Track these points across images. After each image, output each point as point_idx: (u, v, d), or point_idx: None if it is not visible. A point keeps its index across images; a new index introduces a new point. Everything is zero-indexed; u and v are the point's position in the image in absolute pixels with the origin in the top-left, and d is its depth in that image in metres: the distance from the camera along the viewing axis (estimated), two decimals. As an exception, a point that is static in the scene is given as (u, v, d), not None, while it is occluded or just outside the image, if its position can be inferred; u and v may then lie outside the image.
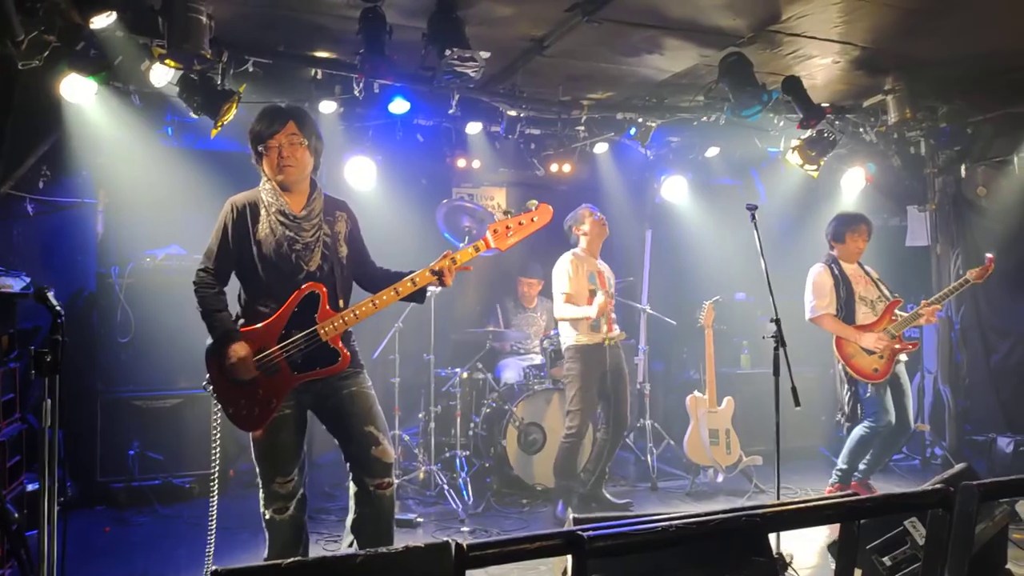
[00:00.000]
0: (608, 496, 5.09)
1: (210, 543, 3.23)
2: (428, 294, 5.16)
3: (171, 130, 5.51)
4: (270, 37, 4.65)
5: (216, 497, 3.20)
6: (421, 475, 5.43)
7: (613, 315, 4.96)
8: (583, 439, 4.97)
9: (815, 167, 5.75)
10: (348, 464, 3.08)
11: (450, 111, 5.21)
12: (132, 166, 5.43)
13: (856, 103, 5.91)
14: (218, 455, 3.20)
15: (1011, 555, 3.48)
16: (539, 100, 5.69)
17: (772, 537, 3.53)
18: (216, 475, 3.21)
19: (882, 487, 5.17)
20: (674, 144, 6.68)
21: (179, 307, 5.01)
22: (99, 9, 3.52)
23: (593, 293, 4.83)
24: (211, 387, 3.00)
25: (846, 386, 4.84)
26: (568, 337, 4.96)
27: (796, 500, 2.20)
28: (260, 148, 3.00)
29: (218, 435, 3.16)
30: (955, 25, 4.49)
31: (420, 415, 5.66)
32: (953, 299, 5.83)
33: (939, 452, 6.22)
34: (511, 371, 6.00)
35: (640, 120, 5.85)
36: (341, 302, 3.08)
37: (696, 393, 5.62)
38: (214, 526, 3.19)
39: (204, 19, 3.67)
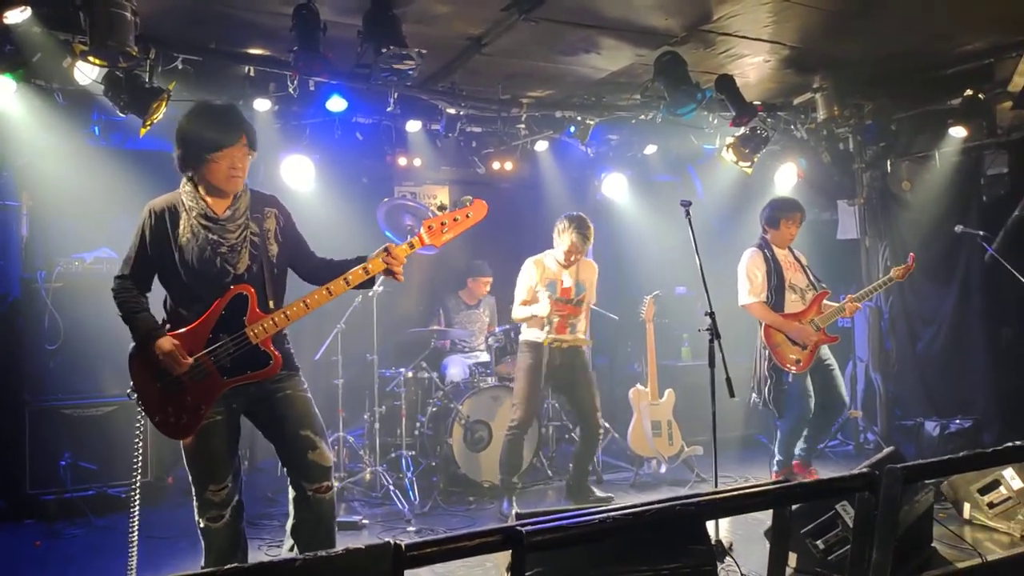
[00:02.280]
0: (593, 489, 5.15)
1: (131, 555, 3.13)
2: (380, 288, 5.13)
3: (98, 129, 5.33)
4: (201, 34, 4.54)
5: (137, 508, 3.10)
6: (367, 476, 5.38)
7: (573, 321, 4.93)
8: (526, 432, 5.00)
9: (748, 163, 5.90)
10: (286, 469, 3.03)
11: (388, 109, 5.18)
12: (58, 166, 5.24)
13: (787, 101, 6.09)
14: (140, 466, 3.11)
15: (937, 534, 3.65)
16: (479, 98, 5.69)
17: (711, 525, 3.63)
18: (137, 486, 3.11)
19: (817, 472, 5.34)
20: (613, 142, 6.76)
21: (110, 312, 4.75)
22: (12, 4, 3.36)
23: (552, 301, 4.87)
24: (135, 395, 2.91)
25: (769, 375, 4.93)
26: (522, 332, 5.04)
27: (730, 488, 2.26)
28: (208, 156, 2.89)
29: (140, 444, 3.07)
30: (875, 27, 4.66)
31: (365, 416, 5.61)
32: (882, 291, 6.06)
33: (871, 437, 6.46)
34: (456, 369, 6.00)
35: (579, 118, 5.91)
36: (271, 303, 2.98)
37: (638, 386, 5.71)
38: (135, 538, 3.10)
39: (128, 14, 3.55)
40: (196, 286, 2.91)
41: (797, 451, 5.08)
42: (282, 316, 2.91)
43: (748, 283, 5.00)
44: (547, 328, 4.83)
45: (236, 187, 2.96)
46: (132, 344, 2.93)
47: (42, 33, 3.86)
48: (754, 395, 5.04)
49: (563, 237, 4.85)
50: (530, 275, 4.92)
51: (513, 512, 4.59)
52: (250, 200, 3.04)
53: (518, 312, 4.94)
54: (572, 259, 4.91)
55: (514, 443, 4.92)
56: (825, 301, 5.03)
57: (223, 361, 2.88)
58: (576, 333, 4.97)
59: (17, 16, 3.44)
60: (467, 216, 3.05)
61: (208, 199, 2.95)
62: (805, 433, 5.04)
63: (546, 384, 5.00)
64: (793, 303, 4.98)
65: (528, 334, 4.96)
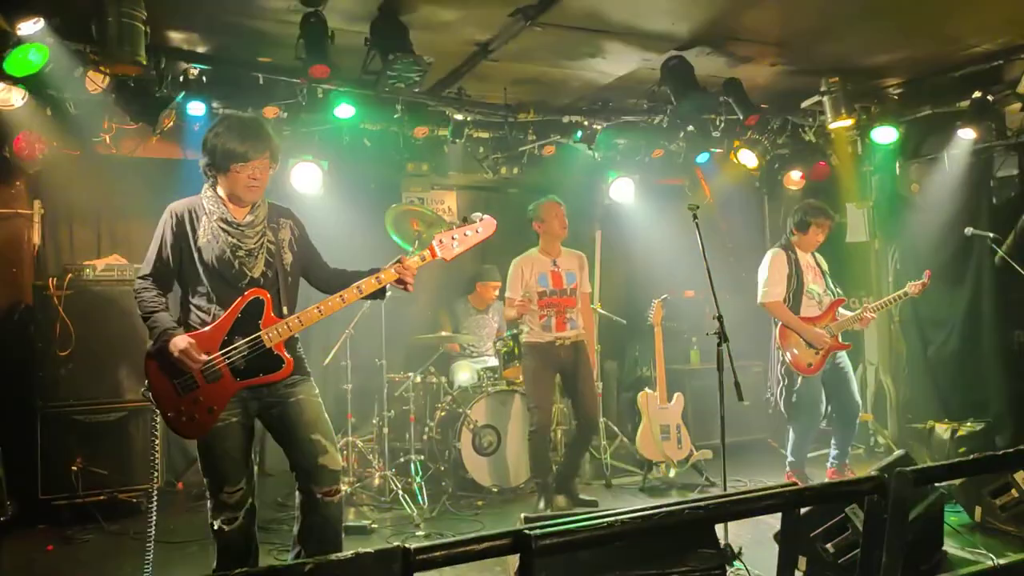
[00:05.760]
0: (577, 492, 5.10)
1: (148, 558, 3.15)
2: (389, 293, 5.15)
3: (109, 137, 5.36)
4: (210, 43, 4.58)
5: (155, 509, 3.13)
6: (376, 481, 5.39)
7: (571, 315, 4.98)
8: (547, 433, 5.05)
9: (756, 166, 5.90)
10: (295, 473, 3.05)
11: (396, 116, 5.20)
12: (69, 175, 5.28)
13: (795, 103, 6.08)
14: (158, 466, 3.14)
15: (947, 537, 3.63)
16: (486, 104, 5.71)
17: (721, 529, 3.62)
18: (156, 487, 3.14)
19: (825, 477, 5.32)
20: (621, 146, 6.76)
21: (121, 318, 4.89)
22: (25, 15, 3.41)
23: (543, 295, 4.94)
24: (150, 393, 2.96)
25: (782, 378, 4.94)
26: (523, 334, 5.09)
27: (739, 492, 2.25)
28: (233, 166, 2.96)
29: (157, 444, 3.10)
30: (883, 30, 4.66)
31: (374, 421, 5.62)
32: (896, 305, 6.00)
33: (882, 441, 6.42)
34: (465, 374, 6.00)
35: (586, 123, 5.91)
36: (285, 309, 3.07)
37: (647, 390, 5.70)
38: (152, 538, 3.12)
39: (139, 24, 3.60)
40: (214, 287, 2.98)
41: (831, 459, 5.08)
42: (296, 321, 2.99)
43: (768, 281, 4.95)
44: (548, 328, 4.92)
45: (254, 196, 3.05)
46: (148, 344, 2.97)
47: (54, 43, 3.90)
48: (770, 396, 5.05)
49: (548, 213, 4.97)
50: (519, 272, 5.01)
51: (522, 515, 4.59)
52: (268, 210, 3.13)
53: (506, 312, 5.09)
54: (560, 233, 4.99)
55: (538, 446, 4.96)
56: (840, 309, 5.01)
57: (237, 363, 2.94)
58: (576, 328, 5.01)
59: (30, 28, 3.48)
60: (476, 232, 3.20)
61: (229, 205, 3.04)
62: (833, 440, 5.06)
63: (563, 384, 5.05)
64: (809, 307, 4.95)
65: (530, 336, 5.02)
